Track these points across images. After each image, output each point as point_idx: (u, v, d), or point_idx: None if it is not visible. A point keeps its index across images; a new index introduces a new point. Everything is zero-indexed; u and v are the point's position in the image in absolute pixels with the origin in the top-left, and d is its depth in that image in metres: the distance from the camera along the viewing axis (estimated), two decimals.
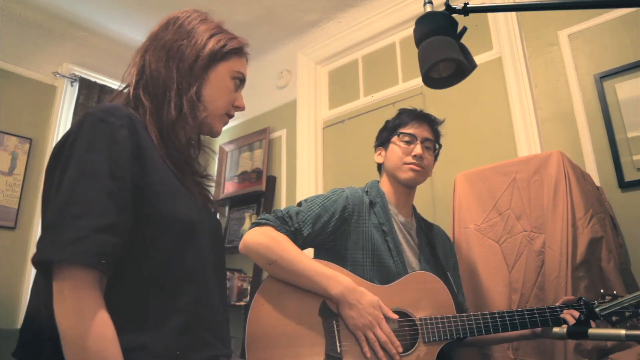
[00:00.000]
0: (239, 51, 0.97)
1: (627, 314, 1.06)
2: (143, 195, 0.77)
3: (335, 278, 1.17)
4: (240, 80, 0.99)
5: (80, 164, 0.73)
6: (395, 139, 1.44)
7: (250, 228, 1.27)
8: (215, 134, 0.98)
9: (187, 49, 0.91)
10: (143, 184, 0.78)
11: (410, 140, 1.41)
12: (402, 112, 1.48)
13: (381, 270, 1.29)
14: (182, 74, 0.89)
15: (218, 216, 1.01)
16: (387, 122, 1.52)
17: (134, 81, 0.90)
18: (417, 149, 1.39)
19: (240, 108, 1.00)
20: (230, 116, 0.99)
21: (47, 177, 0.80)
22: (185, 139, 0.95)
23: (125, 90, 0.92)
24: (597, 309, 1.06)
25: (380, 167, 1.53)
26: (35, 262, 0.69)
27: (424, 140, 1.41)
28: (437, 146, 1.46)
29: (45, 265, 0.69)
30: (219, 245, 0.95)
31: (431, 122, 1.46)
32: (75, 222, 0.69)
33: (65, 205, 0.70)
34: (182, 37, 0.92)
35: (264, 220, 1.26)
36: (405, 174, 1.39)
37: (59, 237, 0.68)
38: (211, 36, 0.93)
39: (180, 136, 0.92)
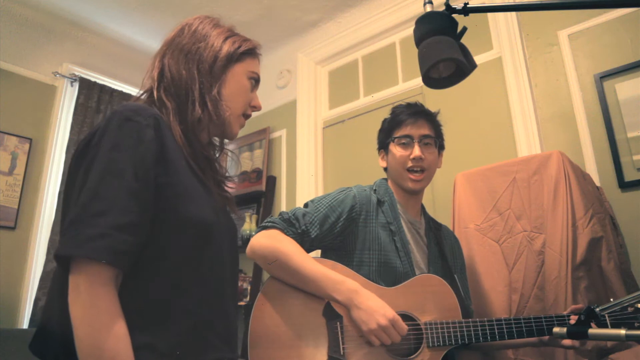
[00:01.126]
0: (252, 52, 1.00)
1: (636, 324, 1.03)
2: (163, 196, 0.78)
3: (343, 282, 1.14)
4: (255, 81, 1.01)
5: (106, 162, 0.74)
6: (392, 144, 1.40)
7: (256, 232, 1.25)
8: (232, 135, 0.99)
9: (205, 50, 0.93)
10: (164, 185, 0.78)
11: (407, 143, 1.37)
12: (397, 111, 1.43)
13: (388, 270, 1.27)
14: (202, 74, 0.92)
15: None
16: (384, 121, 1.47)
17: (155, 84, 0.92)
18: (416, 151, 1.34)
19: (257, 108, 1.02)
20: (248, 116, 1.01)
21: (70, 174, 0.81)
22: (206, 140, 0.97)
23: (143, 96, 0.94)
24: (598, 309, 1.05)
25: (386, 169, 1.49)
26: (56, 256, 0.71)
27: (421, 139, 1.36)
28: (437, 140, 1.40)
29: (64, 260, 0.70)
30: (233, 248, 0.95)
31: (428, 117, 1.40)
32: (97, 219, 0.70)
33: (89, 202, 0.72)
34: (199, 40, 0.94)
35: (270, 224, 1.24)
36: (407, 184, 1.36)
37: (80, 233, 0.69)
38: (226, 38, 0.96)
39: (203, 137, 0.94)
